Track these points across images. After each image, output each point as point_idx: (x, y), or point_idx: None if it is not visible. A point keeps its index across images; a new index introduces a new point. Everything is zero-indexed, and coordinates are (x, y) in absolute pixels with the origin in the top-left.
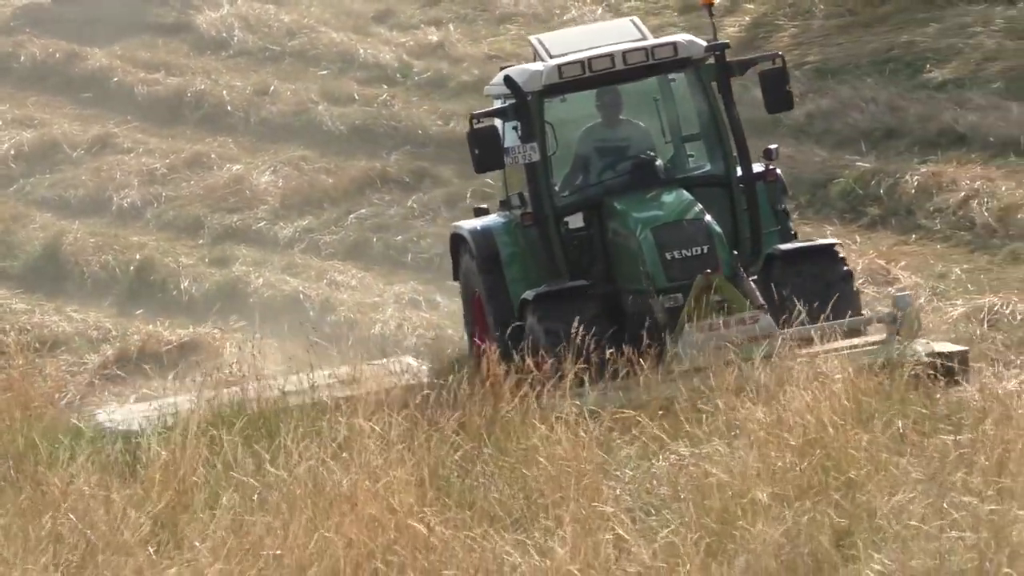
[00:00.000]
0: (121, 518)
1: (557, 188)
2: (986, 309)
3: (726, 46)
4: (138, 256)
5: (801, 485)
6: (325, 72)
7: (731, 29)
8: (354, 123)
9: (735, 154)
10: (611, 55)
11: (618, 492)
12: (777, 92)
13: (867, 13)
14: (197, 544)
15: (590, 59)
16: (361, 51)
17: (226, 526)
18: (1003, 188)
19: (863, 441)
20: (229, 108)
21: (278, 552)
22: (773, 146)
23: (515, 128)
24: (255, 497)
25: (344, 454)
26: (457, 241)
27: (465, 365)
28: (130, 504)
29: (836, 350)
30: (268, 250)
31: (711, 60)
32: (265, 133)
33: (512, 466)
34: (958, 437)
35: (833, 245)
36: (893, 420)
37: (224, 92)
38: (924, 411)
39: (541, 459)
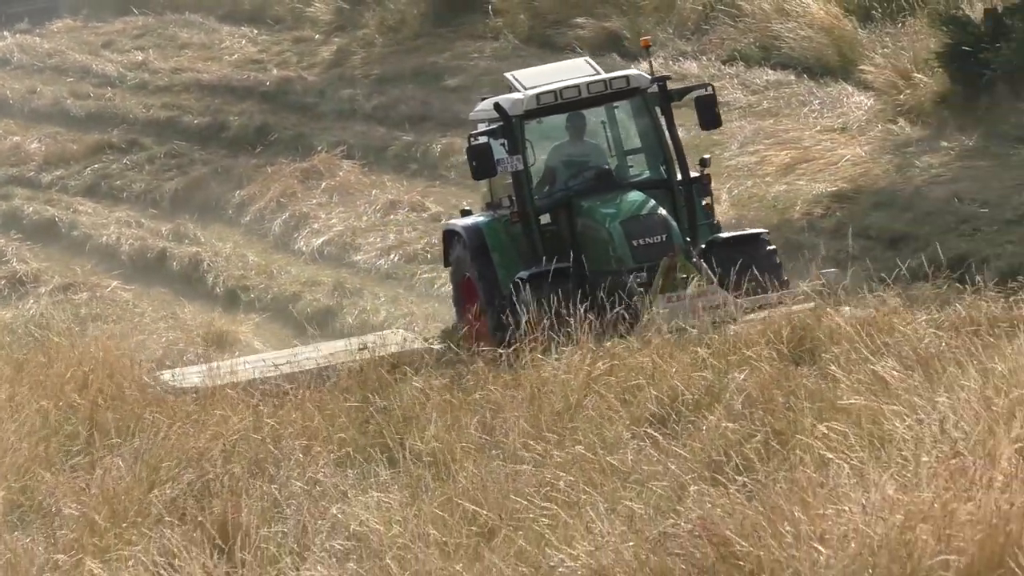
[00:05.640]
0: None
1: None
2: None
3: (668, 78)
4: None
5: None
6: (71, 79)
7: (324, 54)
8: (90, 111)
9: (675, 162)
10: (578, 86)
11: None
12: (708, 114)
13: (408, 44)
14: None
15: (561, 89)
16: (94, 66)
17: None
18: None
19: None
20: (11, 101)
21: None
22: (707, 156)
23: (503, 144)
24: None
25: None
26: (450, 235)
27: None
28: None
29: (772, 316)
30: (36, 190)
31: (655, 89)
32: (33, 117)
33: None
34: None
35: (761, 233)
36: None
37: (8, 91)
38: None
39: None
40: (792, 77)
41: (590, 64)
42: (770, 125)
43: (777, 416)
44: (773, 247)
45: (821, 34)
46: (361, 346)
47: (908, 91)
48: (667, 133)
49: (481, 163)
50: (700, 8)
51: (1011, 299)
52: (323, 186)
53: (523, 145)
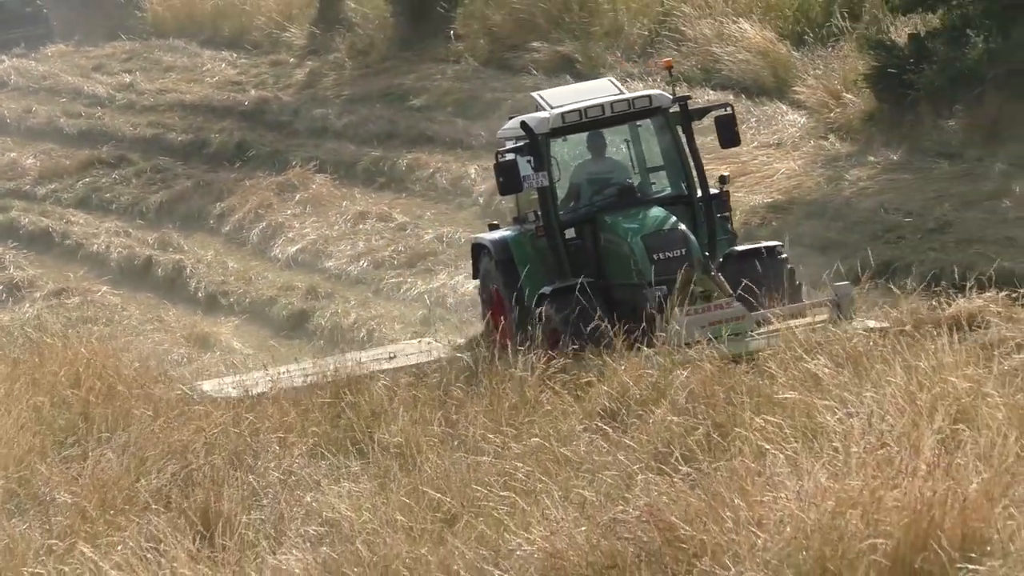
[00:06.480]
0: None
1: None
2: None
3: (689, 98)
4: None
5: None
6: (64, 99)
7: (299, 76)
8: (81, 129)
9: (696, 179)
10: (602, 105)
11: None
12: (728, 132)
13: (376, 66)
14: None
15: (586, 108)
16: (85, 87)
17: None
18: (454, 166)
19: None
20: (8, 120)
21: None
22: (726, 173)
23: (529, 161)
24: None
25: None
26: (478, 248)
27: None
28: None
29: (791, 328)
30: (31, 202)
31: (676, 108)
32: (29, 135)
33: None
34: None
35: (776, 246)
36: None
37: (5, 111)
38: None
39: None
40: (731, 97)
41: (614, 84)
42: (711, 142)
43: (718, 410)
44: (786, 256)
45: (758, 57)
46: (391, 355)
47: (838, 110)
48: (688, 150)
49: (508, 179)
50: (646, 33)
51: (933, 302)
52: (297, 198)
53: (549, 162)
